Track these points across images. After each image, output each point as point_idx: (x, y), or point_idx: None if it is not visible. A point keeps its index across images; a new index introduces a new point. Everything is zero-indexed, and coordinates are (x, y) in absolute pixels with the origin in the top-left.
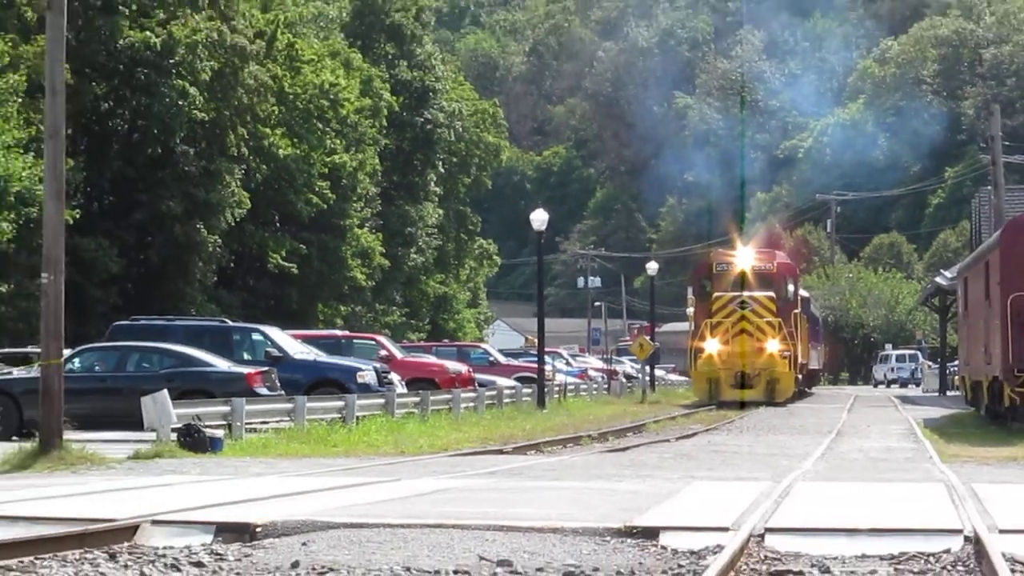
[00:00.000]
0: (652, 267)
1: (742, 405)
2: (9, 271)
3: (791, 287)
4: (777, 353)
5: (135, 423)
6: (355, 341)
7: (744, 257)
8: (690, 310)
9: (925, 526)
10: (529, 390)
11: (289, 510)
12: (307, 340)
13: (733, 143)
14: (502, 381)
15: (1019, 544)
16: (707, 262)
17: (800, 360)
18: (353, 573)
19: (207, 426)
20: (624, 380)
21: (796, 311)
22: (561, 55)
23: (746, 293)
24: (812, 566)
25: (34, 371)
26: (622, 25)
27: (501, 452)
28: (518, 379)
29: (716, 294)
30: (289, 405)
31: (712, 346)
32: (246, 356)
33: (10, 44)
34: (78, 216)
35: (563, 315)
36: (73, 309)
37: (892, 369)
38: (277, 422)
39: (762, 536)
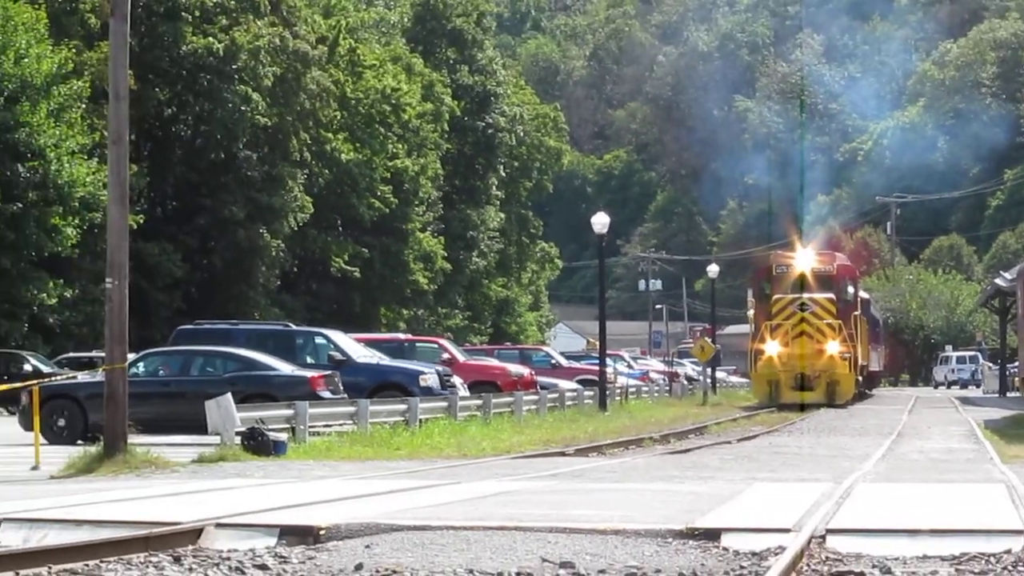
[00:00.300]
0: (713, 270)
1: (802, 407)
2: (73, 276)
3: (851, 288)
4: (837, 355)
5: (199, 427)
6: (417, 344)
7: (804, 259)
8: (750, 312)
9: (986, 527)
10: (591, 392)
11: (352, 513)
12: (370, 344)
13: (793, 146)
14: (564, 384)
15: None
16: (767, 264)
17: (860, 362)
18: (416, 575)
19: (271, 429)
20: (685, 382)
21: (856, 313)
22: (621, 59)
23: (806, 295)
24: (873, 567)
25: (98, 375)
26: (682, 29)
27: (563, 454)
28: (580, 382)
29: (776, 296)
30: (352, 408)
31: (772, 348)
32: (309, 360)
33: (74, 50)
34: (142, 221)
35: (624, 318)
36: (137, 313)
37: (952, 371)
38: (340, 425)
39: (823, 537)
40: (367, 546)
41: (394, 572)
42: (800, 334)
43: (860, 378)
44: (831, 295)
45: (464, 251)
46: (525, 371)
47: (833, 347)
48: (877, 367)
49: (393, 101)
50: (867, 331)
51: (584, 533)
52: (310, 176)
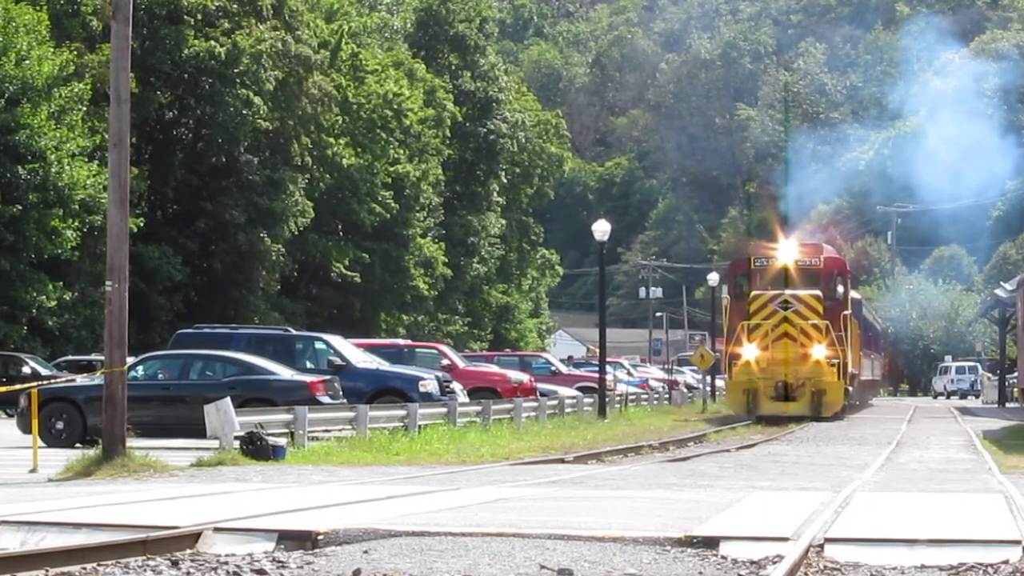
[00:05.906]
0: (713, 278)
1: (786, 420)
2: (73, 279)
3: (840, 286)
4: (824, 360)
5: (198, 431)
6: (417, 350)
7: (787, 251)
8: (725, 310)
9: (984, 537)
10: (591, 400)
11: (351, 518)
12: (369, 349)
13: (795, 154)
14: (563, 391)
15: None
16: (745, 256)
17: (850, 369)
18: None
19: (270, 434)
20: (685, 390)
21: (846, 312)
22: (624, 66)
23: (788, 292)
24: None
25: (97, 378)
26: (684, 37)
27: (562, 461)
28: (580, 389)
29: (754, 292)
30: (351, 414)
31: (749, 352)
32: (309, 364)
33: (75, 53)
34: (142, 224)
35: (625, 325)
36: (137, 317)
37: (952, 381)
38: (339, 430)
39: (822, 546)
40: (365, 551)
41: None
42: (782, 336)
43: (850, 388)
44: (817, 292)
45: (465, 257)
46: (525, 378)
47: (819, 351)
48: (871, 375)
49: (395, 106)
50: (859, 334)
51: (583, 540)
52: (311, 181)
